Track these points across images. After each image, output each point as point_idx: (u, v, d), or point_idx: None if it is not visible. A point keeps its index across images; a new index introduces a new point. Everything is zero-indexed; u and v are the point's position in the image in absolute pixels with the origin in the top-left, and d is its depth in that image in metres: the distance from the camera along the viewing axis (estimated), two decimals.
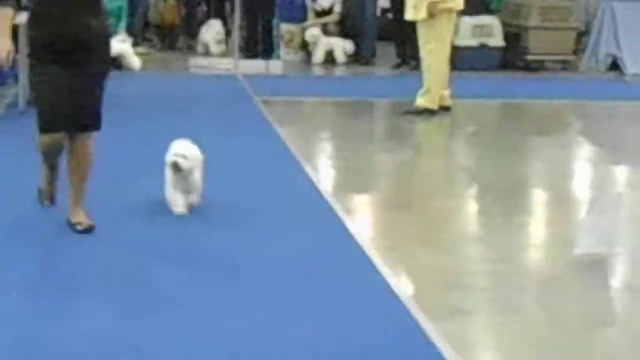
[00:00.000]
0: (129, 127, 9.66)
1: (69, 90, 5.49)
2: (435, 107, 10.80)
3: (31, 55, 5.74)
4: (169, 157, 6.44)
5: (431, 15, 10.63)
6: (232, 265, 5.68)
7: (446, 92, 11.01)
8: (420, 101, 10.82)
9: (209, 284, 5.33)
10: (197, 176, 6.65)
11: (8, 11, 5.38)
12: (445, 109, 11.00)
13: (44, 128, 5.64)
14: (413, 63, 13.59)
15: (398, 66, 14.52)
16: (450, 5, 10.77)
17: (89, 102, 5.76)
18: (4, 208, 6.86)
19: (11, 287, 5.03)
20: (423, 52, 11.03)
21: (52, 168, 6.14)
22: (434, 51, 10.82)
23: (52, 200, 6.33)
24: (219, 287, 5.23)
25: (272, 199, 7.41)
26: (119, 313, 4.82)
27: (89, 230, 5.95)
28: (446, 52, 11.00)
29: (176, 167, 6.32)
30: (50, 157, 6.01)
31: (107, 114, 7.78)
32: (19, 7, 5.54)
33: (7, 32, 5.32)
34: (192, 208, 6.61)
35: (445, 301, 5.43)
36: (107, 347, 4.43)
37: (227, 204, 7.13)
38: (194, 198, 6.55)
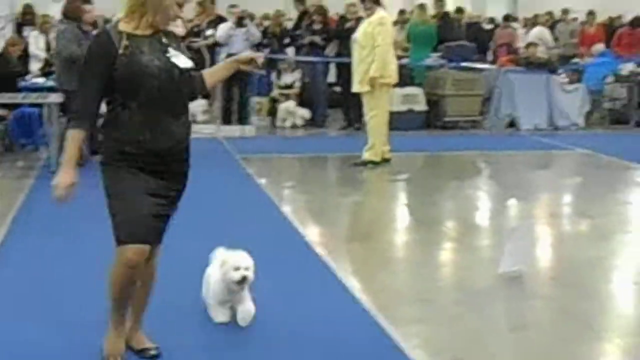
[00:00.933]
0: None
1: (153, 196, 4.04)
2: (378, 159, 10.98)
3: (107, 160, 4.11)
4: (233, 274, 4.93)
5: (373, 87, 10.83)
6: None
7: (387, 148, 11.14)
8: (366, 155, 11.04)
9: None
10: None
11: (78, 133, 3.88)
12: (386, 160, 11.11)
13: (132, 238, 4.00)
14: (357, 125, 13.75)
15: (344, 128, 14.64)
16: (387, 80, 10.96)
17: (169, 212, 4.21)
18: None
19: None
20: (367, 117, 11.25)
21: (126, 304, 4.33)
22: (376, 116, 11.00)
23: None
24: None
25: (257, 230, 7.49)
26: None
27: (159, 355, 4.49)
28: (385, 115, 11.15)
29: (244, 281, 4.96)
30: (128, 286, 4.19)
31: None
32: (94, 125, 3.94)
33: (72, 162, 3.89)
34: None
35: (402, 312, 5.58)
36: None
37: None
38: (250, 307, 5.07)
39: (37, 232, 7.44)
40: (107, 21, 11.49)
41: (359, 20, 13.79)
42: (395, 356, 4.70)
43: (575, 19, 21.45)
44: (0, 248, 6.79)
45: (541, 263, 6.84)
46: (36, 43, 13.13)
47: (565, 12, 21.47)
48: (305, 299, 5.72)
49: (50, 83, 11.56)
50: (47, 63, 12.99)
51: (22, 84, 11.61)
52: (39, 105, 11.06)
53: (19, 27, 13.35)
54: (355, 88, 11.28)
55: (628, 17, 19.03)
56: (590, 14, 19.90)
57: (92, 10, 10.92)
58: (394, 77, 11.34)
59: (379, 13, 11.02)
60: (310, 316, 5.34)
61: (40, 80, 12.07)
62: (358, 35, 11.22)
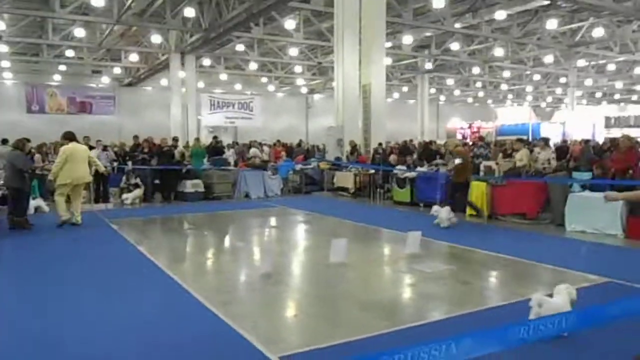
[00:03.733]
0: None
1: None
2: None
3: None
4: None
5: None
6: None
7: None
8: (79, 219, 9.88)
9: None
10: None
11: None
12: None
13: None
14: (169, 200, 13.16)
15: (161, 201, 13.76)
16: (61, 181, 9.68)
17: None
18: None
19: None
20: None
21: None
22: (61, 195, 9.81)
23: None
24: None
25: (118, 256, 7.08)
26: None
27: None
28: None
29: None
30: None
31: None
32: None
33: None
34: None
35: (218, 298, 5.35)
36: None
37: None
38: None
39: None
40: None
41: (170, 146, 13.46)
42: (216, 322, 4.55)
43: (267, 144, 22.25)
44: None
45: (261, 263, 6.73)
46: None
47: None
48: (151, 291, 5.50)
49: None
50: None
51: None
52: None
53: None
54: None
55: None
56: (278, 141, 20.71)
57: None
58: (69, 181, 9.67)
59: (67, 144, 9.84)
60: (159, 301, 5.07)
61: None
62: None
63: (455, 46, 24.61)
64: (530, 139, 19.68)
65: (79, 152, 10.00)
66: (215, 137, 18.58)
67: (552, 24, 19.75)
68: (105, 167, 13.23)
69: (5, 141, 14.08)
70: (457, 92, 40.83)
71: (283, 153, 18.90)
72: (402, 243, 7.50)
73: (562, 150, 12.94)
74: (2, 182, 10.13)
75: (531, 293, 5.25)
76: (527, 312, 4.06)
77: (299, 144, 21.43)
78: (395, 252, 7.57)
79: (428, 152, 14.51)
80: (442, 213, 9.32)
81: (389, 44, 21.07)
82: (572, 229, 8.84)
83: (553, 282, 5.87)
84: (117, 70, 29.98)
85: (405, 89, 37.71)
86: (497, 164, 10.87)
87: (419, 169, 12.83)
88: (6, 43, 22.57)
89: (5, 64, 27.39)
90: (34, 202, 11.56)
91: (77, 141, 10.40)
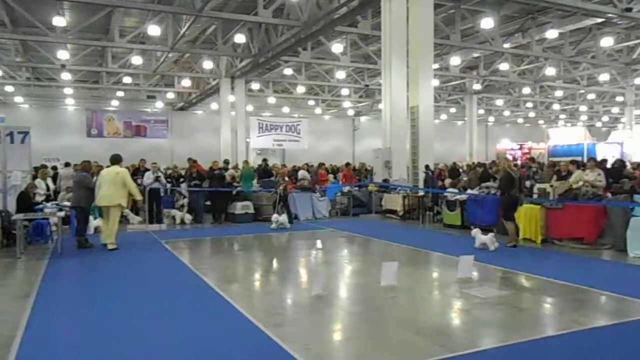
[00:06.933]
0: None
1: None
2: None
3: None
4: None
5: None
6: None
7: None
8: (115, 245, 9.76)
9: None
10: None
11: None
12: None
13: None
14: (219, 221, 13.42)
15: (212, 223, 14.02)
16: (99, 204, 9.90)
17: None
18: None
19: None
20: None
21: None
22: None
23: None
24: None
25: (173, 276, 7.20)
26: None
27: None
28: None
29: None
30: None
31: None
32: None
33: None
34: None
35: (268, 320, 5.41)
36: None
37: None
38: None
39: None
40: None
41: (221, 169, 13.75)
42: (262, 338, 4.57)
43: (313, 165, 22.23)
44: None
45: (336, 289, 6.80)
46: None
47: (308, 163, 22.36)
48: (204, 310, 5.59)
49: None
50: None
51: None
52: None
53: None
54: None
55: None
56: (322, 163, 20.63)
57: None
58: (98, 204, 9.85)
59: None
60: (214, 321, 5.13)
61: None
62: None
63: (504, 66, 24.19)
64: (585, 160, 18.97)
65: (108, 175, 9.80)
66: (264, 160, 18.90)
67: (607, 41, 19.18)
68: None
69: (67, 164, 14.89)
70: (506, 113, 40.00)
71: (330, 176, 19.02)
72: (453, 267, 7.39)
73: (617, 172, 12.39)
74: (67, 202, 10.61)
75: (592, 322, 5.09)
76: (591, 344, 3.89)
77: (347, 165, 21.46)
78: (447, 276, 7.41)
79: (486, 174, 14.07)
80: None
81: (436, 66, 20.97)
82: (635, 255, 8.44)
83: (615, 310, 5.66)
84: (170, 95, 31.14)
85: (453, 109, 37.26)
86: (551, 186, 10.53)
87: (469, 191, 12.59)
88: (69, 71, 23.94)
89: (68, 91, 29.02)
90: (95, 222, 12.02)
91: (120, 164, 10.20)
